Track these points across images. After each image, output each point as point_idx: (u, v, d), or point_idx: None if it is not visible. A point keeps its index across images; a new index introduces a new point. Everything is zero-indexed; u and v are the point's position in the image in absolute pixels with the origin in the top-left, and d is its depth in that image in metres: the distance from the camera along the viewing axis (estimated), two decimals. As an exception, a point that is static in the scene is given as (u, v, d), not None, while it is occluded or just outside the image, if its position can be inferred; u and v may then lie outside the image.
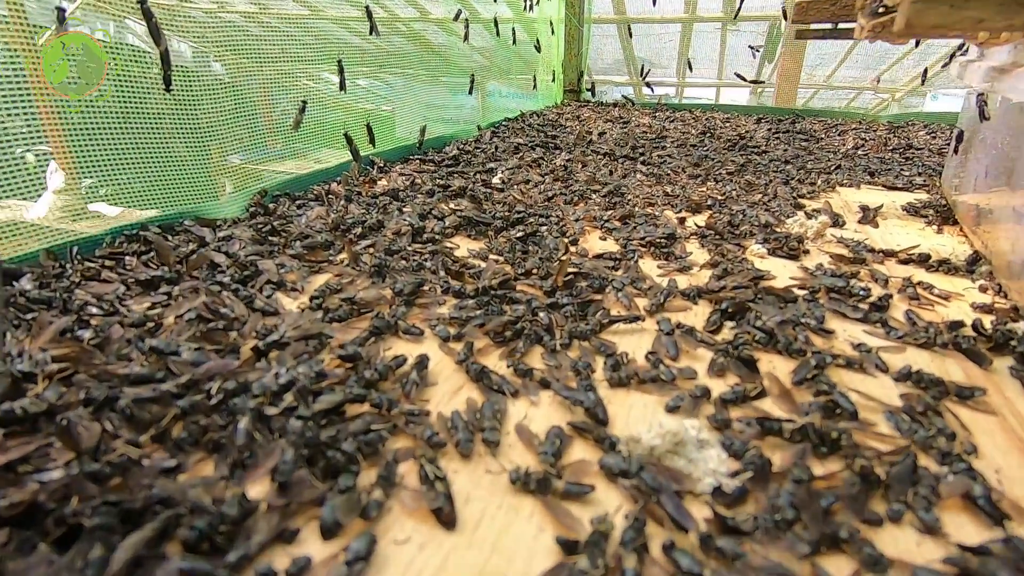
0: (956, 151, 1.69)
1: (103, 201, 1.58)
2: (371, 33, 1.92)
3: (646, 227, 1.50)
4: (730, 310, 1.04)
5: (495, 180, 1.95)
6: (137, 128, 1.41)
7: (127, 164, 1.41)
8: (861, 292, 1.13)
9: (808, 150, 2.62)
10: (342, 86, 1.83)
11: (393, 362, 0.84)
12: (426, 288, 1.12)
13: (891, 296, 1.12)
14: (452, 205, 1.70)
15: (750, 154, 2.51)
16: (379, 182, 1.95)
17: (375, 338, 0.94)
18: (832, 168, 2.27)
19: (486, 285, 1.09)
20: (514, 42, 3.15)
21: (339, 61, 1.79)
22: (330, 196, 1.67)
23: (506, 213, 1.57)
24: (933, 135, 2.92)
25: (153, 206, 1.46)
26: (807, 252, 1.40)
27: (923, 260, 1.34)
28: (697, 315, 1.07)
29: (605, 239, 1.47)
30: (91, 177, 1.39)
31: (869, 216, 1.68)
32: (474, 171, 2.05)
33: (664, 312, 1.07)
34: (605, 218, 1.57)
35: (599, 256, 1.30)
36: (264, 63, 1.75)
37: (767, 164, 2.31)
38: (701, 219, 1.65)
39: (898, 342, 0.98)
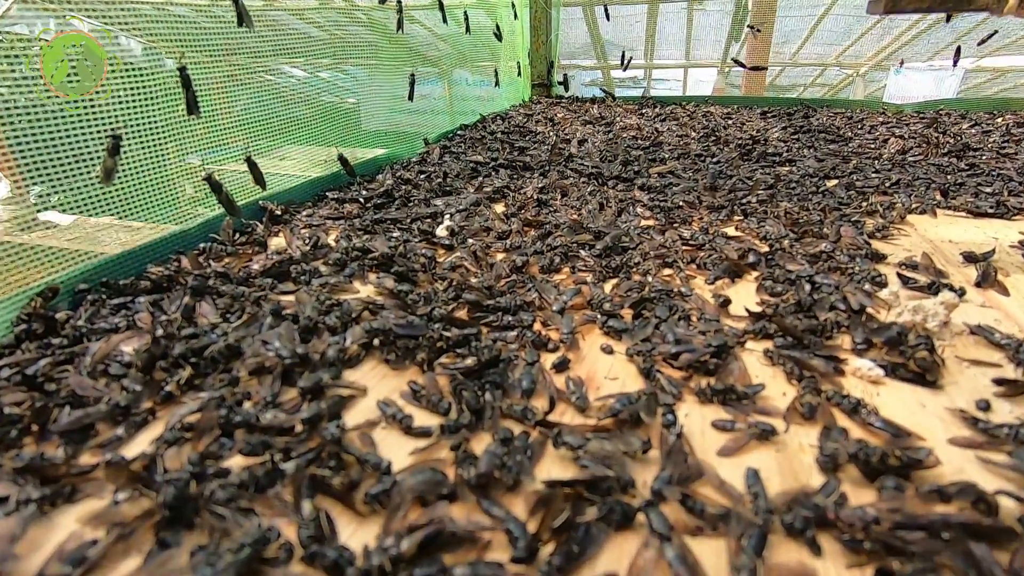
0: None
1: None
2: (240, 24, 1.31)
3: (674, 325, 0.94)
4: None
5: (440, 231, 1.36)
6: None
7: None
8: (1118, 497, 0.59)
9: (842, 156, 2.08)
10: (190, 108, 1.21)
11: None
12: (271, 554, 0.54)
13: None
14: (370, 287, 1.11)
15: (774, 165, 1.97)
16: (270, 240, 1.35)
17: None
18: (887, 184, 1.74)
19: (389, 559, 0.51)
20: (467, 30, 2.54)
21: (181, 69, 1.17)
22: (173, 286, 1.06)
23: (450, 305, 0.99)
24: (982, 128, 2.41)
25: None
26: (942, 362, 0.86)
27: None
28: (831, 594, 0.52)
29: (611, 351, 0.91)
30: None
31: (988, 274, 1.14)
32: (411, 216, 1.46)
33: (765, 596, 0.51)
34: (606, 306, 1.00)
35: (609, 417, 0.73)
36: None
37: (801, 181, 1.77)
38: (748, 290, 1.10)
39: None
